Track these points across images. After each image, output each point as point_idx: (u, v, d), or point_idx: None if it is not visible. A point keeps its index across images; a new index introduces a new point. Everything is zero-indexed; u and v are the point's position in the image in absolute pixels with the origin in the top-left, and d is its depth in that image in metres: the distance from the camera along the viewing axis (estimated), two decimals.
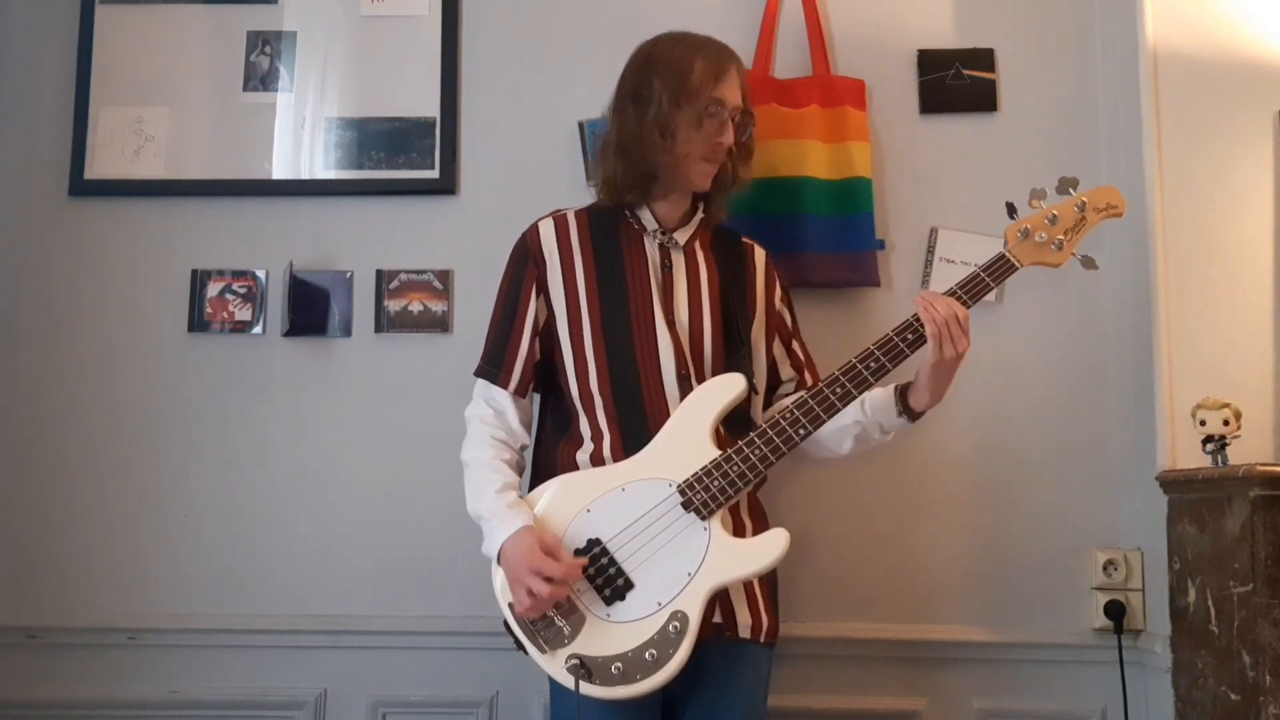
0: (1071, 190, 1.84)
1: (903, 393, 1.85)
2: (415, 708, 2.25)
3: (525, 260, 1.91)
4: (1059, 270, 1.87)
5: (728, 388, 1.80)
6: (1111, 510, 2.24)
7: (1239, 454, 1.95)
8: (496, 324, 1.92)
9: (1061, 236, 1.83)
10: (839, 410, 1.77)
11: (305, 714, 2.24)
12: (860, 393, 1.77)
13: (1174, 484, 2.03)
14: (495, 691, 2.24)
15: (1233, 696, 1.82)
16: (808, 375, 2.02)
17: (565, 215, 1.94)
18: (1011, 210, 1.85)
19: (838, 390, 1.76)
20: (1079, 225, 1.84)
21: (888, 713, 2.22)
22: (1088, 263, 1.86)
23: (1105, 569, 2.20)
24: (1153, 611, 2.16)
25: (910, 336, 1.77)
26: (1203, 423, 1.96)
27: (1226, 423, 1.94)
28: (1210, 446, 1.96)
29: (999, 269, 1.82)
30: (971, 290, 1.79)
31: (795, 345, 2.03)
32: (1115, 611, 2.17)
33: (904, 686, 2.23)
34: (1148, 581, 2.19)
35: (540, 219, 1.94)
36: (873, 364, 1.76)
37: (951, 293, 1.78)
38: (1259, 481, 1.77)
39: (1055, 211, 1.84)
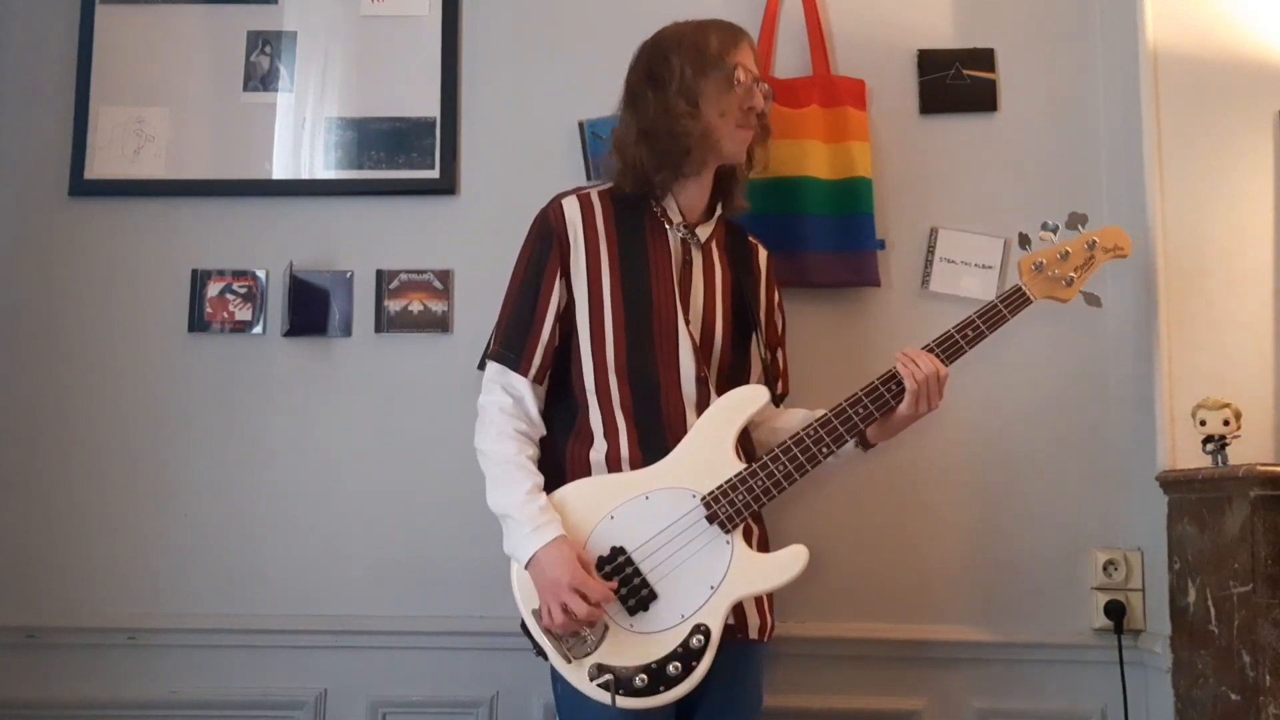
0: (1080, 227, 1.91)
1: None
2: (415, 708, 2.24)
3: (550, 239, 1.83)
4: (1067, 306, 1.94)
5: (751, 400, 1.80)
6: (1111, 510, 2.24)
7: (1239, 454, 1.95)
8: (514, 305, 1.83)
9: (1072, 274, 1.91)
10: (862, 430, 1.80)
11: (305, 714, 2.24)
12: (882, 414, 1.80)
13: (1174, 484, 2.03)
14: (495, 691, 2.23)
15: (1233, 696, 1.82)
16: (780, 385, 2.02)
17: (589, 195, 1.88)
18: (1024, 241, 1.92)
19: (860, 410, 1.79)
20: (1088, 263, 1.93)
21: (888, 713, 2.22)
22: (1092, 300, 1.94)
23: (1105, 569, 2.20)
24: (1153, 611, 2.16)
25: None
26: (1203, 423, 1.96)
27: (1226, 423, 1.94)
28: (1210, 446, 1.96)
29: (1015, 301, 1.88)
30: (971, 338, 1.83)
31: (780, 354, 2.03)
32: (1115, 611, 2.17)
33: (904, 686, 2.23)
34: (1148, 581, 2.19)
35: (562, 196, 1.88)
36: (894, 385, 1.80)
37: (928, 350, 1.82)
38: (1259, 481, 1.77)
39: (1068, 248, 1.91)
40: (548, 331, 1.81)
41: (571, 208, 1.85)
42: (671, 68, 1.83)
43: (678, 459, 1.77)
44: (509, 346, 1.82)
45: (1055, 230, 1.90)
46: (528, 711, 2.22)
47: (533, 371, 1.81)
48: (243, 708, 2.24)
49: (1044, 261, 1.89)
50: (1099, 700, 2.20)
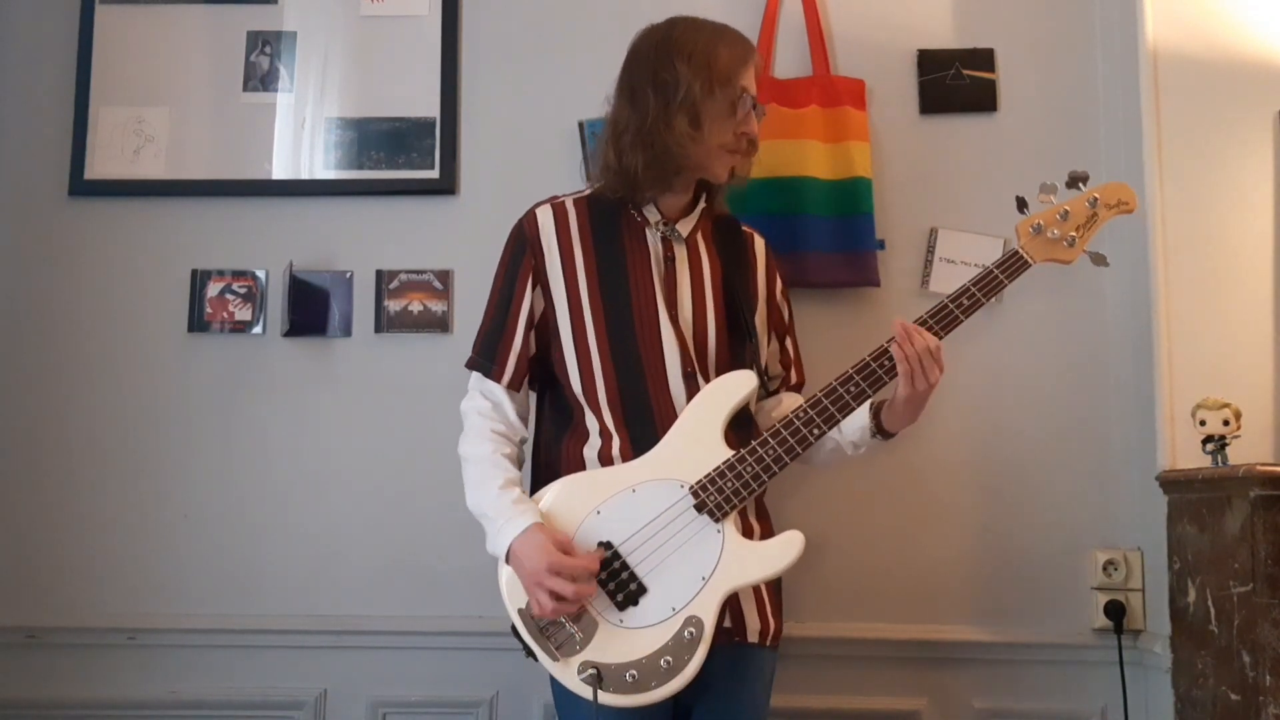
0: (1081, 185, 1.81)
1: (877, 412, 1.84)
2: (415, 708, 2.25)
3: (522, 249, 1.85)
4: (1069, 267, 1.86)
5: (739, 386, 1.77)
6: (1111, 510, 2.24)
7: (1239, 454, 1.95)
8: (491, 315, 1.86)
9: (1074, 233, 1.81)
10: (853, 409, 1.75)
11: (305, 714, 2.24)
12: (874, 391, 1.75)
13: (1174, 484, 2.03)
14: (495, 691, 2.24)
15: (1233, 696, 1.82)
16: (794, 374, 2.00)
17: (564, 203, 1.88)
18: (1021, 204, 1.83)
19: (851, 389, 1.74)
20: (1090, 221, 1.82)
21: (888, 713, 2.22)
22: (1098, 259, 1.84)
23: (1105, 569, 2.20)
24: (1153, 611, 2.16)
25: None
26: (1203, 423, 1.96)
27: (1226, 423, 1.94)
28: (1210, 446, 1.96)
29: (1013, 265, 1.79)
30: (967, 306, 1.77)
31: (788, 342, 2.01)
32: (1115, 611, 2.17)
33: (904, 686, 2.23)
34: (1148, 581, 2.19)
35: (537, 205, 1.89)
36: (887, 361, 1.75)
37: (923, 322, 1.76)
38: (1259, 481, 1.77)
39: (1067, 207, 1.82)
40: (520, 339, 1.83)
41: (545, 216, 1.86)
42: (678, 77, 1.78)
43: (665, 450, 1.75)
44: (484, 354, 1.85)
45: (1054, 190, 1.81)
46: (527, 712, 2.23)
47: (506, 378, 1.82)
48: (243, 708, 2.24)
49: (1042, 223, 1.80)
50: (1099, 700, 2.20)
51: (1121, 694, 2.14)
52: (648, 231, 1.86)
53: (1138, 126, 2.17)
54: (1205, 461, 1.97)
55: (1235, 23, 2.15)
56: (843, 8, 2.38)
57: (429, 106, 2.38)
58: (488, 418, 1.82)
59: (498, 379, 1.83)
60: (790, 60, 2.35)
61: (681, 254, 1.87)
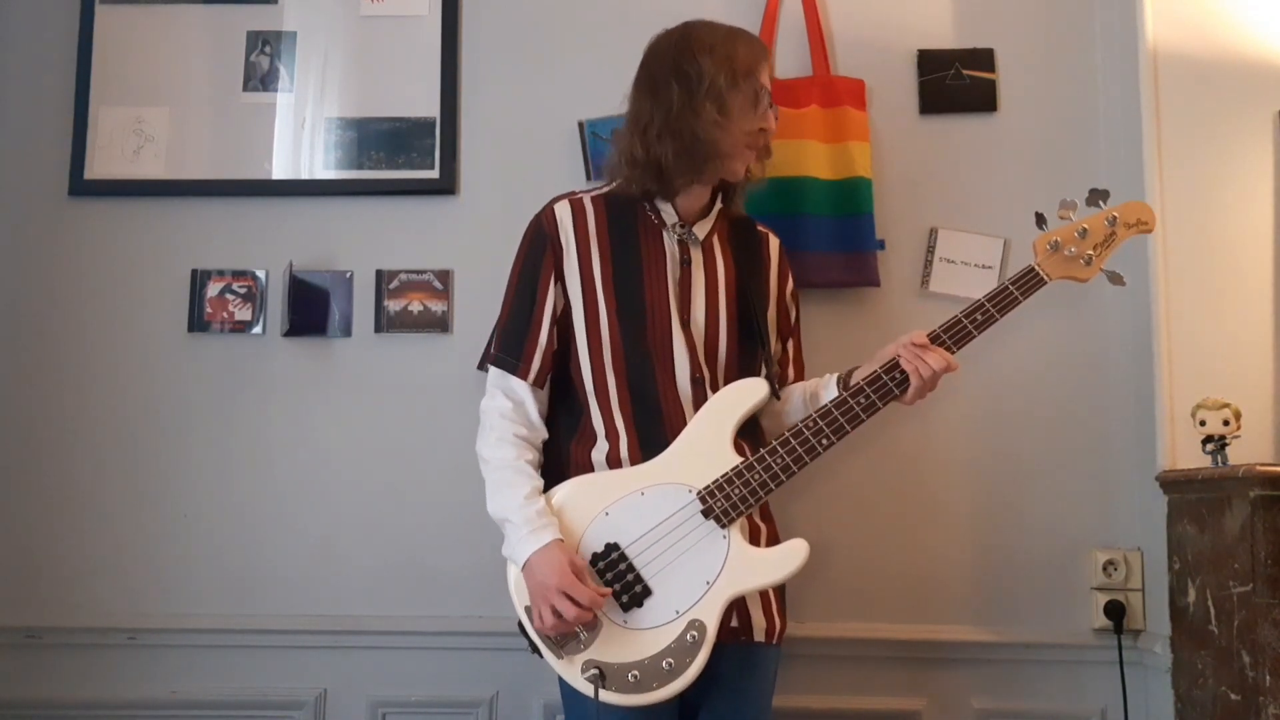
0: (1102, 203, 1.82)
1: (845, 386, 1.85)
2: (415, 708, 2.24)
3: (543, 245, 1.84)
4: (1086, 285, 1.86)
5: (750, 393, 1.78)
6: (1111, 510, 2.24)
7: (1239, 454, 1.95)
8: (511, 310, 1.85)
9: (1091, 251, 1.81)
10: (864, 421, 1.76)
11: (305, 714, 2.24)
12: (884, 404, 1.77)
13: (1174, 484, 2.03)
14: (495, 691, 2.23)
15: (1233, 696, 1.82)
16: (791, 371, 2.00)
17: (581, 200, 1.88)
18: (1040, 220, 1.82)
19: (862, 400, 1.75)
20: (1109, 240, 1.82)
21: (888, 713, 2.22)
22: (1115, 279, 1.84)
23: (1105, 569, 2.20)
24: (1153, 611, 2.16)
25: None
26: (1203, 423, 1.97)
27: (1226, 423, 1.94)
28: (1210, 446, 1.96)
29: (1028, 283, 1.80)
30: (981, 322, 1.78)
31: (790, 343, 2.01)
32: (1115, 611, 2.17)
33: (904, 686, 2.23)
34: (1148, 581, 2.19)
35: (555, 201, 1.88)
36: (898, 374, 1.76)
37: (936, 336, 1.77)
38: (1259, 481, 1.77)
39: (1085, 225, 1.81)
40: (545, 335, 1.82)
41: (564, 212, 1.86)
42: (702, 70, 1.79)
43: (675, 455, 1.76)
44: (507, 351, 1.83)
45: (1074, 207, 1.81)
46: (527, 712, 2.22)
47: (532, 375, 1.82)
48: (243, 708, 2.24)
49: (1060, 240, 1.81)
50: (1099, 700, 2.20)
51: (1121, 694, 2.14)
52: (664, 234, 1.87)
53: (1138, 126, 2.17)
54: (1205, 461, 1.97)
55: (1235, 23, 2.16)
56: (843, 8, 2.38)
57: (429, 106, 2.38)
58: (510, 419, 1.81)
59: (523, 375, 1.82)
60: (790, 60, 2.35)
61: (697, 257, 1.88)
